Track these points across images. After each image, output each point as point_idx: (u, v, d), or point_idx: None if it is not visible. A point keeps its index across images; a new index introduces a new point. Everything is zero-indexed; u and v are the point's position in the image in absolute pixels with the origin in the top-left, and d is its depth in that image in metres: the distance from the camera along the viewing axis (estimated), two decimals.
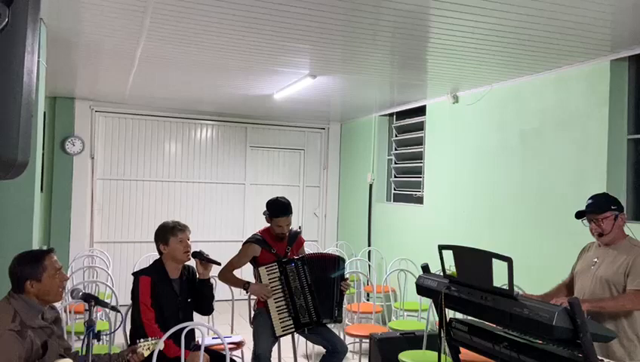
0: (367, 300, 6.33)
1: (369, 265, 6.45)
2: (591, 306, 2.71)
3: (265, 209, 3.82)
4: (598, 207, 2.87)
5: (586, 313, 2.63)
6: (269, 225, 3.83)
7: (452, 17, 3.13)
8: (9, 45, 0.86)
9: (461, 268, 2.65)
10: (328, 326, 3.87)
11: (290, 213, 3.79)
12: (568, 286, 3.14)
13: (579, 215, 2.93)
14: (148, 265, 3.45)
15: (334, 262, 3.83)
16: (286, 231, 3.80)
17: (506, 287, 2.39)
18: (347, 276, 3.89)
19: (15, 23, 0.85)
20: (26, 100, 0.90)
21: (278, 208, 3.76)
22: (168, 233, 3.32)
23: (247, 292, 3.82)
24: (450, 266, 2.74)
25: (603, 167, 3.82)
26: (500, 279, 2.45)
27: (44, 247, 4.04)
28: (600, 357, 2.34)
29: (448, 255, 2.68)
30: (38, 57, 0.95)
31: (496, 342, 2.54)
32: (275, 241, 3.82)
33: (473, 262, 2.61)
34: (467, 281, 2.61)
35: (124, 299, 4.37)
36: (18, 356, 2.18)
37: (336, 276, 3.79)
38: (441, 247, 2.73)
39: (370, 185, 7.16)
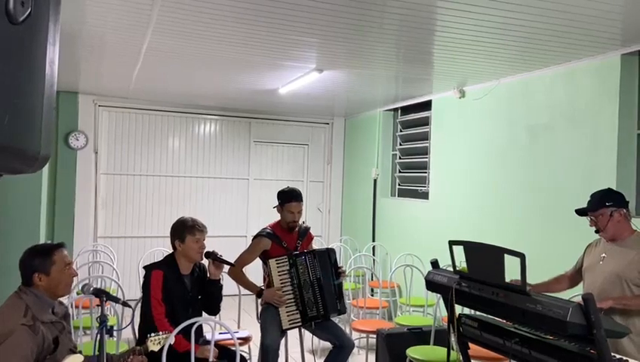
0: (372, 295, 6.32)
1: (374, 260, 6.45)
2: (614, 303, 2.72)
3: (275, 203, 3.83)
4: (592, 205, 2.93)
5: (607, 309, 2.65)
6: (278, 219, 3.84)
7: (459, 10, 3.10)
8: (32, 36, 0.84)
9: (472, 264, 2.63)
10: (335, 321, 3.88)
11: (302, 200, 3.85)
12: (571, 278, 3.16)
13: (578, 213, 2.98)
14: (160, 259, 3.44)
15: (328, 254, 3.84)
16: (297, 219, 3.82)
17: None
18: (341, 265, 3.97)
19: (38, 13, 0.84)
20: (49, 92, 0.88)
21: (289, 194, 3.80)
22: (186, 231, 3.29)
23: (259, 299, 3.82)
24: (461, 262, 2.73)
25: (613, 162, 3.79)
26: (509, 275, 2.43)
27: (49, 242, 4.03)
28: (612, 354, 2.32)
29: (458, 250, 2.66)
30: None
31: (507, 337, 2.52)
32: (285, 235, 3.82)
33: (485, 257, 2.60)
34: (478, 277, 2.59)
35: (129, 294, 4.37)
36: (31, 350, 2.17)
37: (332, 267, 3.82)
38: (452, 243, 2.71)
39: (375, 180, 7.14)
